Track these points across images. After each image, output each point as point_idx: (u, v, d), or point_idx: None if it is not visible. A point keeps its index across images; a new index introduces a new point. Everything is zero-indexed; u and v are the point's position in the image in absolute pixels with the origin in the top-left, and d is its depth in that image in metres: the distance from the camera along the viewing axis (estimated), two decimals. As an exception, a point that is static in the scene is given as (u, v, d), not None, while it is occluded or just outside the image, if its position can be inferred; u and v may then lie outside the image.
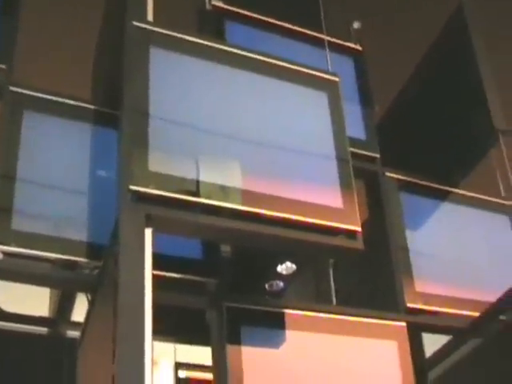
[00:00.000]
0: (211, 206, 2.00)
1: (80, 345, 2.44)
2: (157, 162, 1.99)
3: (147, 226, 1.91)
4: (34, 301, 2.86)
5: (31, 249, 2.26)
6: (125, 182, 1.94)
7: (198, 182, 2.02)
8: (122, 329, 1.76)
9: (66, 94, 2.55)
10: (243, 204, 2.04)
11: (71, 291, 2.79)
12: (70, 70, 2.99)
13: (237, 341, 2.24)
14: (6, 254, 2.23)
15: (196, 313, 2.45)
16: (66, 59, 3.13)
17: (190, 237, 2.37)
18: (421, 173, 2.99)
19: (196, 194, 2.00)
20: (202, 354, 2.53)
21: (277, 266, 2.32)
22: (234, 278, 2.50)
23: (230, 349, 2.22)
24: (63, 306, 2.87)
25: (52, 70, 2.95)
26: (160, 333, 2.57)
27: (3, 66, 2.43)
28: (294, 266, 2.32)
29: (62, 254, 2.29)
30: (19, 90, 2.46)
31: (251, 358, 2.23)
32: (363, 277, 3.06)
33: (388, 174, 2.89)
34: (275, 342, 2.32)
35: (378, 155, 2.89)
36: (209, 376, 2.40)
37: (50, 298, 3.03)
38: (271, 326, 2.34)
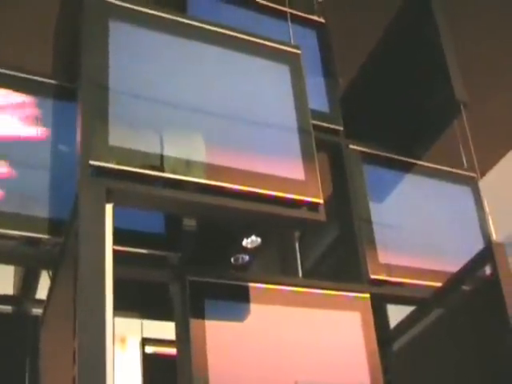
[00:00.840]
0: (173, 179, 1.99)
1: (43, 322, 2.43)
2: (117, 137, 1.98)
3: (108, 201, 1.90)
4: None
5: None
6: (84, 156, 1.92)
7: (160, 155, 2.01)
8: (82, 305, 1.74)
9: (27, 68, 2.51)
10: (206, 178, 2.03)
11: (35, 268, 2.76)
12: (30, 45, 2.95)
13: (200, 315, 2.24)
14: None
15: (163, 288, 2.44)
16: (25, 34, 3.09)
17: (151, 210, 2.35)
18: (384, 145, 2.99)
19: (158, 167, 1.99)
20: (170, 330, 2.53)
21: (242, 239, 2.32)
22: (200, 253, 2.50)
23: (194, 323, 2.22)
24: (28, 283, 2.85)
25: (11, 45, 2.90)
26: (126, 309, 2.57)
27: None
28: (259, 240, 2.33)
29: (24, 231, 2.26)
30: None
31: (215, 331, 2.23)
32: (328, 249, 3.08)
33: (352, 146, 2.89)
34: (240, 315, 2.32)
35: (341, 128, 2.89)
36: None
37: (15, 275, 3.00)
38: (235, 299, 2.34)
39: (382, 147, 2.98)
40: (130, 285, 2.34)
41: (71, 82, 2.46)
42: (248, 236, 2.32)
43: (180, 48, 2.25)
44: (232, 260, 2.44)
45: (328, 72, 2.99)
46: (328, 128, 2.84)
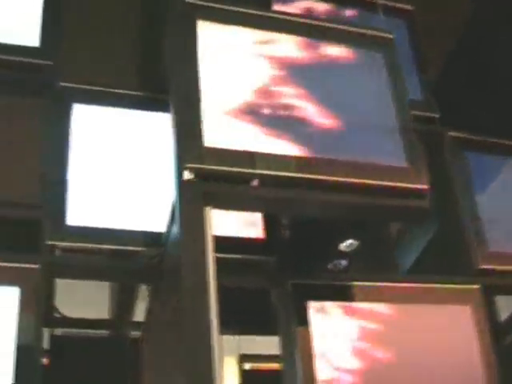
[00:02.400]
0: (270, 176, 1.92)
1: (143, 340, 2.40)
2: (212, 138, 1.91)
3: (206, 204, 1.84)
4: (95, 304, 2.82)
5: (87, 243, 2.22)
6: (181, 161, 1.88)
7: (254, 154, 1.93)
8: (187, 314, 1.70)
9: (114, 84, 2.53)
10: (303, 172, 1.95)
11: (131, 288, 2.74)
12: (115, 60, 2.95)
13: (305, 319, 2.16)
14: (63, 249, 2.20)
15: (259, 302, 2.39)
16: (109, 49, 3.09)
17: (249, 211, 2.30)
18: (483, 130, 2.86)
19: (253, 166, 1.92)
20: (267, 345, 2.48)
21: (339, 244, 2.25)
22: (296, 259, 2.43)
23: (298, 327, 2.14)
24: (123, 307, 2.83)
25: (97, 62, 2.91)
26: (223, 325, 2.52)
27: (50, 62, 2.39)
28: (356, 243, 2.25)
29: (119, 244, 2.25)
30: (69, 84, 2.44)
31: (320, 334, 2.15)
32: (428, 246, 2.96)
33: (451, 133, 2.77)
34: (343, 316, 2.22)
35: (437, 115, 2.80)
36: (275, 366, 2.33)
37: (110, 300, 3.00)
38: (338, 300, 2.24)
39: (481, 132, 2.85)
40: (227, 299, 2.30)
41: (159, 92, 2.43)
42: (345, 240, 2.24)
43: (270, 43, 2.18)
44: (329, 266, 2.37)
45: (419, 60, 2.92)
46: (423, 116, 2.75)
